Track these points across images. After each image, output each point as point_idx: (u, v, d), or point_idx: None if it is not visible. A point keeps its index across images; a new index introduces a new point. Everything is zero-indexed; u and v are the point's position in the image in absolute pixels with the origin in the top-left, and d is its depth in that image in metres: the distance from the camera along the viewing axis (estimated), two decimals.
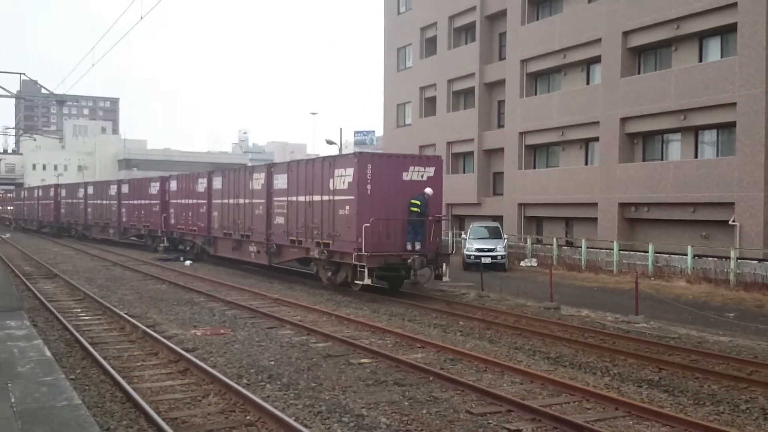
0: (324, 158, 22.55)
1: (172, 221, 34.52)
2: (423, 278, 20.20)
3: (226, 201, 28.34)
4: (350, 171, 19.89)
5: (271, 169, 25.59)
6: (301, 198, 22.44)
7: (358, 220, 19.21)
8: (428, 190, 19.91)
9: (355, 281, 19.48)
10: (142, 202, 38.57)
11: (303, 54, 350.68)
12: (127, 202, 40.98)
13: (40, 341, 10.97)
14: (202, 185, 31.13)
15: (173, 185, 34.99)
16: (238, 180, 27.54)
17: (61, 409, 7.26)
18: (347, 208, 19.86)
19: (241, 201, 26.89)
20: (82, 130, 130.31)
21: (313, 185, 21.84)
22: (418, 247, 19.62)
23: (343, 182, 20.16)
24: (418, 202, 19.58)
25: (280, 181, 24.14)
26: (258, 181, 25.81)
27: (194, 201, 31.77)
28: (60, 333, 13.71)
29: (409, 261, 19.33)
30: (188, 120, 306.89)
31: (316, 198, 21.52)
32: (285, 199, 23.57)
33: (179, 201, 33.78)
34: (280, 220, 23.96)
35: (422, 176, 20.32)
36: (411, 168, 20.28)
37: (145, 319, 15.45)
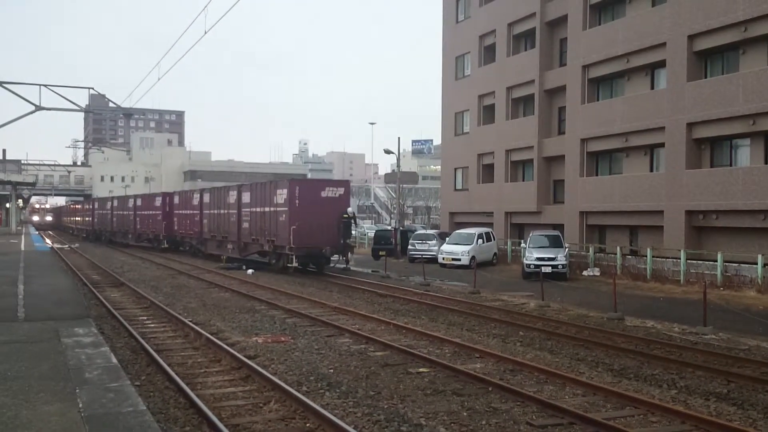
0: (271, 182, 31.23)
1: (176, 227, 43.52)
2: (344, 262, 30.03)
3: (212, 211, 37.00)
4: (285, 191, 28.55)
5: (240, 188, 34.02)
6: (259, 209, 31.02)
7: (289, 223, 27.78)
8: (350, 209, 29.15)
9: (288, 264, 28.18)
10: (150, 212, 47.56)
11: (363, 64, 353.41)
12: (140, 212, 49.69)
13: (107, 348, 11.26)
14: (196, 199, 39.99)
15: (176, 199, 44.22)
16: (220, 196, 36.14)
17: (127, 415, 7.43)
18: (283, 216, 28.46)
19: (222, 211, 35.54)
20: (149, 142, 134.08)
21: (265, 200, 30.39)
22: (342, 241, 28.45)
23: (282, 198, 28.77)
24: (347, 215, 28.57)
25: (246, 198, 32.65)
26: (232, 197, 34.16)
27: (191, 211, 40.80)
28: (126, 340, 14.05)
29: (323, 250, 28.05)
30: (252, 131, 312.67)
31: (267, 209, 30.10)
32: (249, 210, 32.13)
33: (181, 211, 42.90)
34: (246, 225, 32.61)
35: (335, 194, 29.05)
36: (327, 188, 29.34)
37: (209, 326, 15.72)
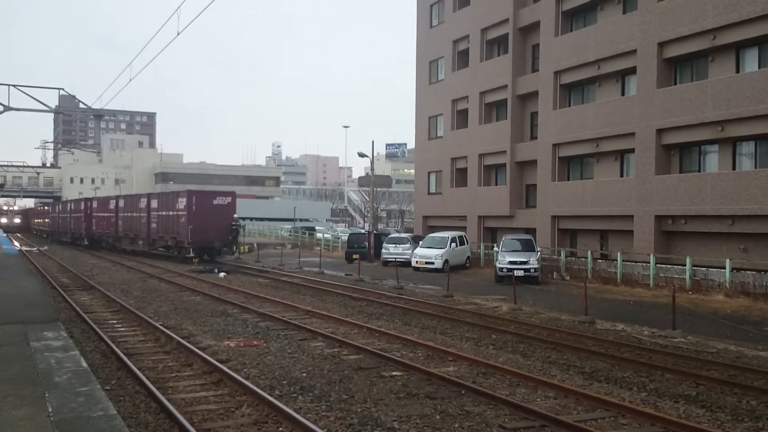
0: (173, 192, 40.59)
1: (94, 227, 52.29)
2: (228, 252, 38.70)
3: (126, 214, 45.53)
4: (185, 199, 36.83)
5: (149, 196, 42.79)
6: (164, 213, 39.39)
7: (188, 224, 36.05)
8: (236, 216, 37.58)
9: (187, 255, 35.97)
10: (77, 215, 56.02)
11: (337, 67, 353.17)
12: (73, 215, 57.89)
13: (77, 352, 11.12)
14: (112, 204, 48.55)
15: (95, 204, 53.13)
16: (132, 202, 44.90)
17: (97, 420, 7.34)
18: (183, 218, 36.69)
19: (134, 214, 43.85)
20: (119, 144, 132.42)
21: (169, 206, 38.76)
22: (230, 238, 37.50)
23: (182, 205, 37.03)
24: (234, 222, 37.18)
25: (154, 203, 41.19)
26: (143, 203, 42.70)
27: (108, 214, 49.04)
28: (96, 344, 13.89)
29: (214, 244, 36.58)
30: (224, 134, 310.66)
31: (170, 213, 38.44)
32: (156, 213, 40.44)
33: (99, 214, 51.52)
34: (154, 225, 40.90)
35: (224, 202, 37.78)
36: (218, 198, 38.13)
37: (180, 330, 15.60)
